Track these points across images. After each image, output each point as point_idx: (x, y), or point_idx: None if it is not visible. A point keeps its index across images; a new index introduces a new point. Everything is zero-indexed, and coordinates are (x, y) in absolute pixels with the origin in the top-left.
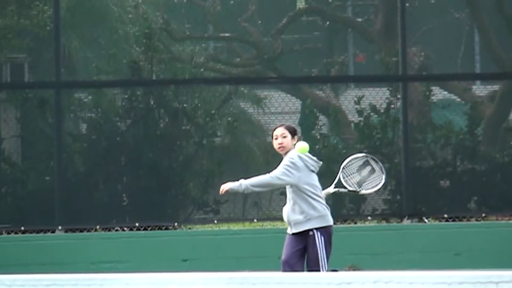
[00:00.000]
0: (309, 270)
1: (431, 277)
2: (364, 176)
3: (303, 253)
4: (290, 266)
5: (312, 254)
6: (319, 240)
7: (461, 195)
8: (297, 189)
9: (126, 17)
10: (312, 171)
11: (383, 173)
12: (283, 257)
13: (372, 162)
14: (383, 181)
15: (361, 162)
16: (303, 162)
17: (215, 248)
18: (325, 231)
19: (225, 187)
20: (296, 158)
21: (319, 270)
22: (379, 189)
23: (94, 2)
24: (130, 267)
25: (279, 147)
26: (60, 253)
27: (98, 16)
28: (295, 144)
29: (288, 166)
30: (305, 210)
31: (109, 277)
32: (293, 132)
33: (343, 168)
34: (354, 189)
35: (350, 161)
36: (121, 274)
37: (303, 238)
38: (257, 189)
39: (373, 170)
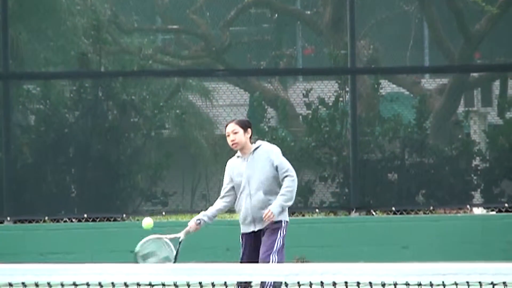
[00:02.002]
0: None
1: (379, 269)
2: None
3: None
4: None
5: (268, 240)
6: (282, 232)
7: (409, 188)
8: (275, 181)
9: (74, 8)
10: None
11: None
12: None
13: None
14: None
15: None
16: None
17: None
18: (287, 226)
19: (269, 216)
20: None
21: (268, 254)
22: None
23: None
24: (78, 258)
25: (232, 144)
26: (8, 243)
27: (46, 8)
28: (250, 137)
29: (284, 158)
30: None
31: (57, 267)
32: (245, 126)
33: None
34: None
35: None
36: (69, 264)
37: (261, 234)
38: (292, 200)
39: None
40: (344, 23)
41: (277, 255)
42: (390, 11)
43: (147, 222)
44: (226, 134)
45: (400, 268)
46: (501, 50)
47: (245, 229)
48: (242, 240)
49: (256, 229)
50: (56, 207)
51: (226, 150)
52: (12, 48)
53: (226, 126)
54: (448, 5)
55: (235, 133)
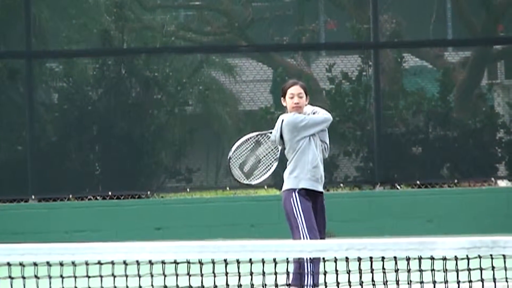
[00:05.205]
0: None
1: (403, 243)
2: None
3: None
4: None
5: (323, 218)
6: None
7: (433, 162)
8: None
9: None
10: None
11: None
12: (314, 225)
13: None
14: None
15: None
16: None
17: (188, 216)
18: None
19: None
20: None
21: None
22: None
23: None
24: (103, 236)
25: (294, 107)
26: (33, 222)
27: None
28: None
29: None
30: None
31: (82, 246)
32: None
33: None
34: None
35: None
36: (94, 243)
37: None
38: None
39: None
40: None
41: None
42: None
43: None
44: (289, 95)
45: (425, 241)
46: None
47: (314, 185)
48: (303, 196)
49: (320, 190)
50: (80, 185)
51: (249, 125)
52: (35, 27)
53: (290, 86)
54: None
55: (301, 97)
